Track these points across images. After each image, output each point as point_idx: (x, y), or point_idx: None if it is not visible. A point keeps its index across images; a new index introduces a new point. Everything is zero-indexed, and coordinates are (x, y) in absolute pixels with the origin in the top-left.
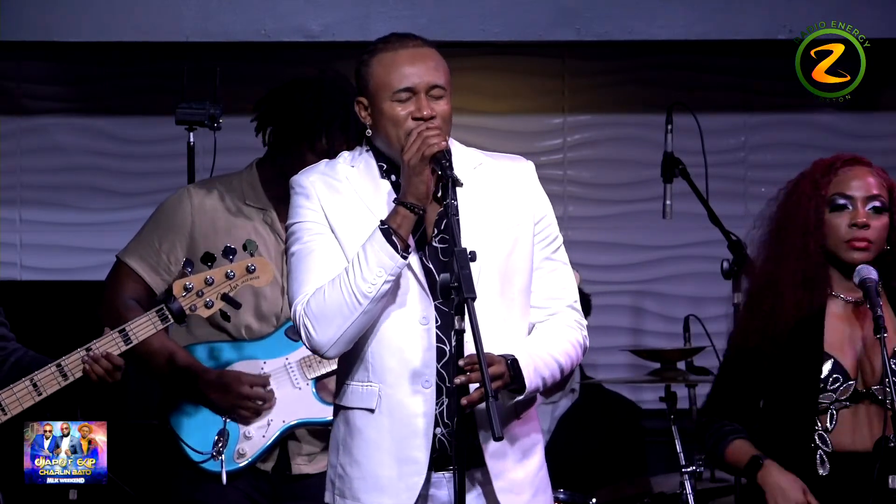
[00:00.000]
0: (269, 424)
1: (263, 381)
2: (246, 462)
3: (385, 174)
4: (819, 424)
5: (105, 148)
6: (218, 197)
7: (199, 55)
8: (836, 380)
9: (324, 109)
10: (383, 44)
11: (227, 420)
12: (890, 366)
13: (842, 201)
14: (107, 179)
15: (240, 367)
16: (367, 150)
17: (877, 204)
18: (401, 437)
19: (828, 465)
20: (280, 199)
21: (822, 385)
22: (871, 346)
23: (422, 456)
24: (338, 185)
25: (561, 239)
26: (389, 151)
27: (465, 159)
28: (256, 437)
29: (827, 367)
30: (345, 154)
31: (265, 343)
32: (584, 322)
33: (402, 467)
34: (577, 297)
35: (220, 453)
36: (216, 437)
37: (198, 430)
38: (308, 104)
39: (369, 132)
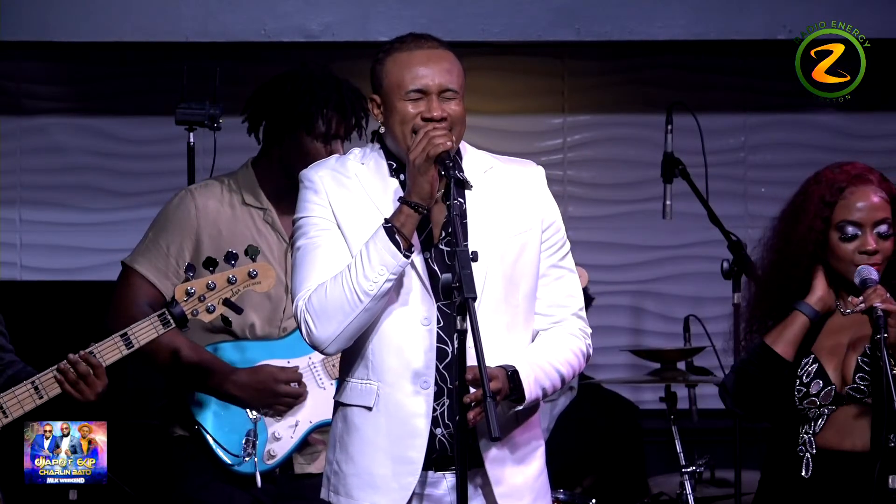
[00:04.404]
0: (296, 424)
1: (296, 376)
2: (275, 462)
3: (394, 173)
4: (807, 428)
5: (105, 148)
6: (219, 199)
7: (199, 55)
8: (816, 384)
9: (316, 93)
10: (399, 43)
11: (257, 421)
12: (888, 366)
13: (851, 230)
14: (107, 179)
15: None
16: (379, 148)
17: (883, 228)
18: (397, 437)
19: (811, 467)
20: (279, 197)
21: (805, 390)
22: (852, 348)
23: (417, 456)
24: (347, 181)
25: (569, 246)
26: (398, 150)
27: (476, 163)
28: (285, 437)
29: (812, 371)
30: (356, 151)
31: (287, 342)
32: (589, 331)
33: (396, 466)
34: (582, 304)
35: (250, 455)
36: (246, 439)
37: (228, 432)
38: (299, 92)
39: (381, 129)
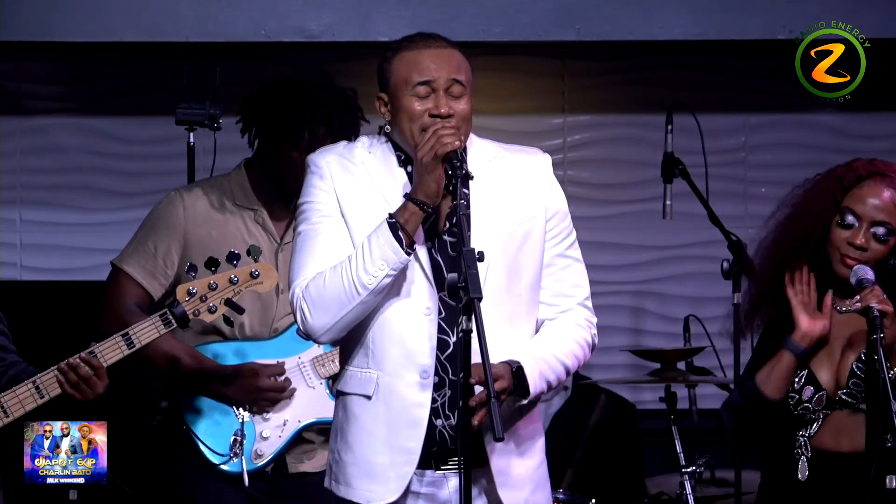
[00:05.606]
0: (284, 424)
1: (279, 370)
2: (264, 462)
3: (402, 164)
4: (804, 431)
5: (105, 148)
6: (208, 199)
7: (199, 55)
8: (808, 390)
9: (305, 107)
10: (408, 42)
11: (245, 421)
12: (884, 367)
13: (850, 219)
14: (107, 179)
15: None
16: (386, 141)
17: (881, 230)
18: (395, 426)
19: (807, 470)
20: (270, 199)
21: (798, 397)
22: (849, 348)
23: (415, 446)
24: (353, 168)
25: (575, 234)
26: (406, 146)
27: (481, 152)
28: (273, 437)
29: (801, 377)
30: (363, 139)
31: (277, 342)
32: (594, 320)
33: (394, 456)
34: (588, 294)
35: (237, 454)
36: (233, 438)
37: (215, 432)
38: (289, 102)
39: (388, 128)
